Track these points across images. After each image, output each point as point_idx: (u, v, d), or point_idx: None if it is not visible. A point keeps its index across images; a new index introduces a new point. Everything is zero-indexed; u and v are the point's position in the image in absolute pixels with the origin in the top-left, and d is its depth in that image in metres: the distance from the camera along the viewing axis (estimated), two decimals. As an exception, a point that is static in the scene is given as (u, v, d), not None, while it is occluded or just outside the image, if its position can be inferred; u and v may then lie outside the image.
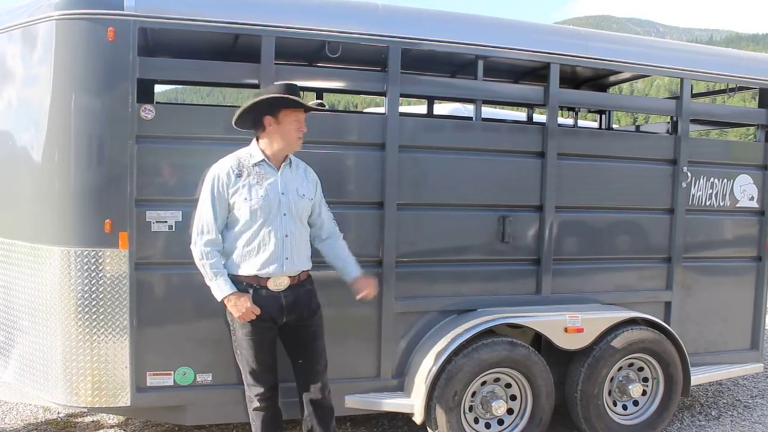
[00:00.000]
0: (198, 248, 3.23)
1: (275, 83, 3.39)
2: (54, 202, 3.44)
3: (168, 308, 3.58)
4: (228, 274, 3.25)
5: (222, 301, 3.24)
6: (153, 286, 3.55)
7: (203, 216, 3.24)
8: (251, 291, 3.26)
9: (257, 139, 3.35)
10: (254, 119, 3.31)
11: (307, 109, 3.34)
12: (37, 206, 3.52)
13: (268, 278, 3.28)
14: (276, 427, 3.48)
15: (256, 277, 3.27)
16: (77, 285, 3.40)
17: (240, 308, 3.20)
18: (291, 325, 3.39)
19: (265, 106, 3.25)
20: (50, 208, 3.46)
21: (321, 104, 3.35)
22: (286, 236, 3.28)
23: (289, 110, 3.26)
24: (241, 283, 3.25)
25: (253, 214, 3.22)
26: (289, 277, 3.32)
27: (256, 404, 3.39)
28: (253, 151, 3.32)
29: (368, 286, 3.54)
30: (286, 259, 3.29)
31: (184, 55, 4.03)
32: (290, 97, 3.23)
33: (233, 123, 3.34)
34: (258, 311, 3.24)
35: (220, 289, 3.21)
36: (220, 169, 3.26)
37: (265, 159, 3.30)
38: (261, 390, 3.37)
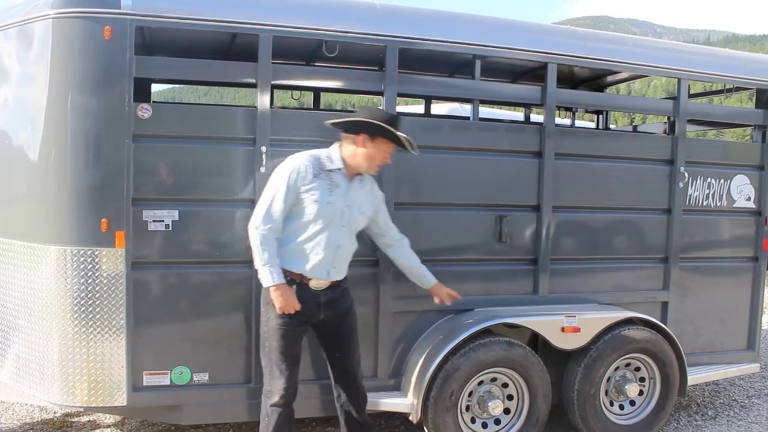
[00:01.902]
0: (259, 233, 3.26)
1: (386, 110, 3.51)
2: (50, 201, 3.43)
3: (164, 308, 3.57)
4: None
5: (268, 288, 3.29)
6: (150, 286, 3.54)
7: (274, 203, 3.28)
8: (294, 286, 3.34)
9: (340, 145, 3.44)
10: (350, 128, 3.41)
11: (400, 146, 3.46)
12: (34, 205, 3.51)
13: (311, 279, 3.38)
14: (290, 426, 3.49)
15: (300, 275, 3.35)
16: (73, 284, 3.39)
17: (285, 299, 3.27)
18: (328, 321, 3.50)
19: (369, 125, 3.35)
20: (46, 207, 3.45)
21: (412, 145, 3.48)
22: (338, 247, 3.39)
23: (387, 140, 3.39)
24: (285, 277, 3.31)
25: (316, 217, 3.31)
26: (331, 281, 3.44)
27: (276, 399, 3.38)
28: (334, 156, 3.41)
29: (448, 296, 3.80)
30: (333, 268, 3.41)
31: (182, 54, 4.02)
32: (399, 135, 3.38)
33: (329, 122, 3.45)
34: (299, 307, 3.31)
35: (272, 277, 3.25)
36: (300, 162, 3.32)
37: (342, 168, 3.39)
38: (285, 384, 3.38)
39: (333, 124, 3.46)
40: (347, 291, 3.57)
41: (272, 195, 3.30)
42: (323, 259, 3.36)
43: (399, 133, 3.39)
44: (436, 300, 3.81)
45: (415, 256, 3.75)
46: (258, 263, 3.29)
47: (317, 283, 3.40)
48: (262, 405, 3.47)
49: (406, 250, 3.73)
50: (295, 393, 3.45)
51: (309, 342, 3.62)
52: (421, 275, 3.77)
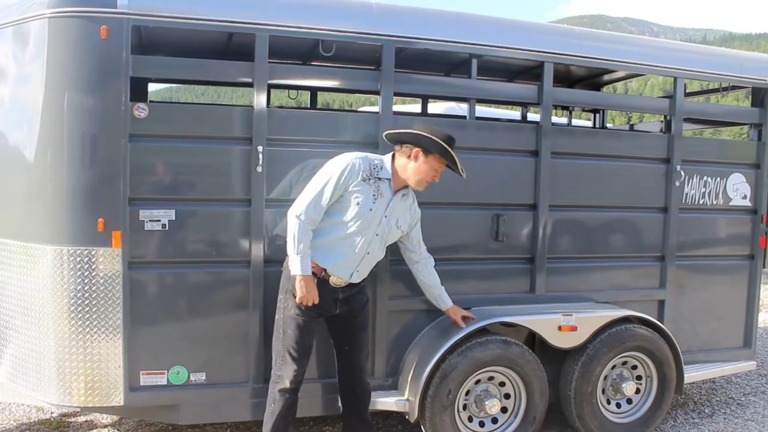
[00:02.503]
0: (299, 222, 3.31)
1: (442, 128, 3.53)
2: (47, 201, 3.43)
3: (161, 307, 3.56)
4: None
5: (293, 276, 3.35)
6: (146, 286, 3.54)
7: (322, 196, 3.33)
8: (316, 279, 3.40)
9: (393, 156, 3.50)
10: (407, 140, 3.46)
11: (451, 167, 3.50)
12: (30, 205, 3.50)
13: (332, 276, 3.45)
14: (292, 416, 3.54)
15: (324, 270, 3.43)
16: (70, 284, 3.39)
17: (307, 291, 3.33)
18: (342, 315, 3.57)
19: (427, 140, 3.40)
20: (43, 207, 3.45)
21: (462, 168, 3.55)
22: (368, 254, 3.47)
23: (440, 159, 3.44)
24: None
25: (355, 220, 3.38)
26: (351, 282, 3.53)
27: (285, 384, 3.44)
28: (386, 165, 3.48)
29: (463, 319, 3.86)
30: (357, 272, 3.49)
31: (179, 53, 4.01)
32: (454, 155, 3.43)
33: (387, 133, 3.54)
34: (318, 301, 3.38)
35: (300, 266, 3.31)
36: (356, 162, 3.38)
37: (391, 179, 3.45)
38: (295, 371, 3.44)
39: (389, 135, 3.53)
40: (364, 288, 3.66)
41: (321, 187, 3.35)
42: (350, 261, 3.43)
43: (454, 153, 3.44)
44: (451, 322, 3.90)
45: (438, 278, 3.81)
46: (291, 251, 3.35)
47: (337, 281, 3.46)
48: (269, 391, 3.52)
49: (430, 269, 3.79)
50: (302, 382, 3.51)
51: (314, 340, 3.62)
52: (440, 297, 3.84)
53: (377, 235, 3.47)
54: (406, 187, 3.56)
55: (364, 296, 3.66)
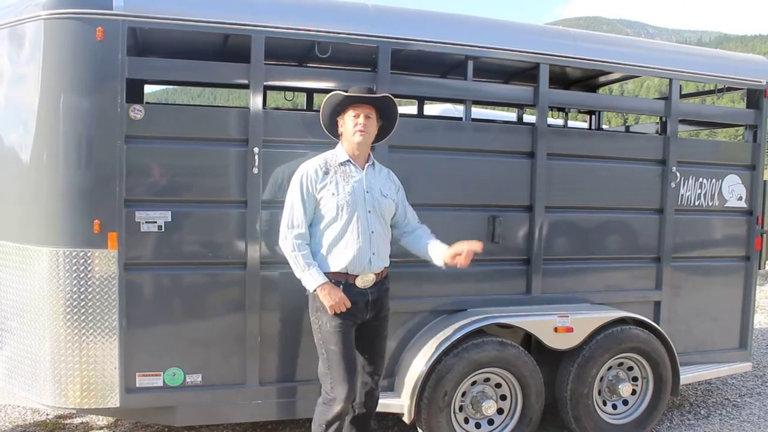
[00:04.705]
0: (289, 241, 3.31)
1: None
2: (42, 202, 3.43)
3: (157, 309, 3.56)
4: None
5: (315, 291, 3.29)
6: (142, 287, 3.54)
7: (294, 211, 3.33)
8: (341, 286, 3.33)
9: (341, 142, 3.48)
10: (327, 125, 3.50)
11: (359, 100, 3.35)
12: (26, 207, 3.50)
13: (356, 276, 3.36)
14: (342, 427, 3.43)
15: (345, 274, 3.34)
16: (66, 286, 3.38)
17: (334, 297, 3.26)
18: (370, 321, 3.48)
19: (338, 111, 3.42)
20: (39, 208, 3.45)
21: (386, 96, 3.46)
22: (372, 233, 3.39)
23: (349, 107, 3.39)
24: (330, 280, 3.31)
25: (340, 209, 3.32)
26: (375, 273, 3.42)
27: (338, 408, 3.29)
28: (338, 152, 3.45)
29: (459, 254, 3.41)
30: (373, 254, 3.39)
31: (175, 55, 4.02)
32: (337, 91, 3.37)
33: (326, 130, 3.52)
34: (349, 304, 3.30)
35: (314, 278, 3.27)
36: (309, 167, 3.37)
37: (350, 159, 3.41)
38: (347, 392, 3.30)
39: (329, 132, 3.52)
40: (389, 291, 3.57)
41: (291, 204, 3.35)
42: (361, 248, 3.33)
43: (338, 91, 3.39)
44: (452, 260, 3.44)
45: (429, 236, 3.57)
46: (297, 271, 3.31)
47: (363, 281, 3.37)
48: (320, 410, 3.37)
49: (419, 232, 3.60)
50: (355, 398, 3.45)
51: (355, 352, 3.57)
52: (434, 248, 3.52)
53: (370, 211, 3.38)
54: (370, 159, 3.49)
55: (388, 301, 3.56)
